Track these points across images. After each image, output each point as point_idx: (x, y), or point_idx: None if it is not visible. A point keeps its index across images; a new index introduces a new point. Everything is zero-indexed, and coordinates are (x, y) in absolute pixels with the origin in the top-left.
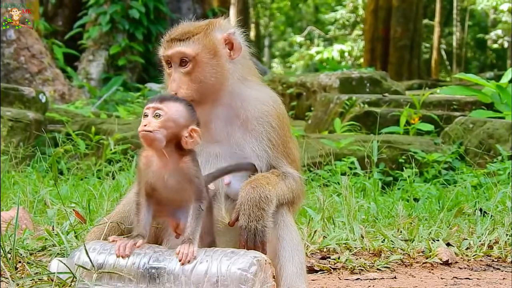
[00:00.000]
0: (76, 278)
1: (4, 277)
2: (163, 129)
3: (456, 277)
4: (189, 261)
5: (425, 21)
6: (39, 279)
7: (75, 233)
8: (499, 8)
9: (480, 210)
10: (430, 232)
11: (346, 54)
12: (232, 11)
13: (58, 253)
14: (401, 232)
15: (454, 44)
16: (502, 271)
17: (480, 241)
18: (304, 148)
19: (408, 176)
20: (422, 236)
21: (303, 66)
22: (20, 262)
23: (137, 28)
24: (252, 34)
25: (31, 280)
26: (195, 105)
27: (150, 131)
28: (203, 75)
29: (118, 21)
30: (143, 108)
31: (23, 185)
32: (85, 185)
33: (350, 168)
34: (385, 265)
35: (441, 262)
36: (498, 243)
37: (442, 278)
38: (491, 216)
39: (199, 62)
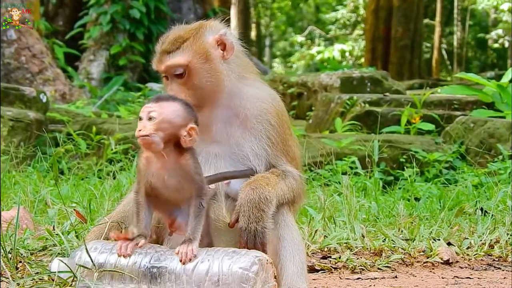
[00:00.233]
0: (77, 278)
1: (4, 277)
2: (159, 131)
3: (457, 277)
4: (190, 260)
5: (426, 20)
6: (40, 279)
7: (76, 233)
8: (499, 8)
9: (481, 209)
10: (431, 232)
11: (347, 53)
12: (233, 11)
13: (58, 253)
14: (402, 231)
15: (455, 43)
16: (503, 270)
17: (481, 240)
18: (305, 147)
19: (409, 176)
20: (423, 236)
21: (304, 65)
22: (20, 262)
23: (138, 28)
24: (253, 34)
25: (31, 280)
26: (196, 110)
27: (147, 135)
28: (199, 81)
29: (118, 21)
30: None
31: (24, 185)
32: (86, 185)
33: (351, 168)
34: (386, 265)
35: (442, 262)
36: (499, 242)
37: (443, 278)
38: (492, 215)
39: (192, 69)
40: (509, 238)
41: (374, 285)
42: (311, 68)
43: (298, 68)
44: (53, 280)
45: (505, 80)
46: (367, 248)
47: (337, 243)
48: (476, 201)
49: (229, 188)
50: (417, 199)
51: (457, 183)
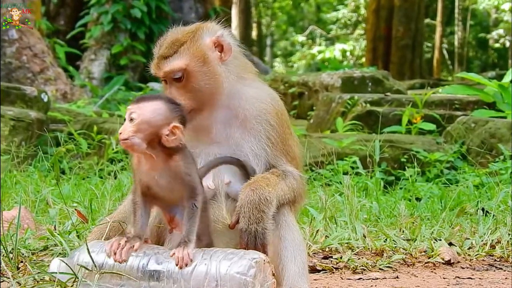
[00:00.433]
0: (78, 278)
1: (5, 277)
2: (139, 133)
3: (458, 277)
4: (186, 265)
5: (427, 20)
6: (41, 279)
7: (77, 232)
8: (500, 8)
9: (482, 209)
10: (432, 232)
11: (348, 53)
12: (234, 10)
13: (60, 253)
14: (403, 231)
15: (456, 43)
16: (504, 270)
17: (482, 240)
18: (306, 147)
19: (410, 176)
20: (424, 236)
21: (305, 65)
22: (22, 261)
23: (139, 28)
24: (254, 33)
25: (32, 280)
26: (196, 112)
27: (126, 139)
28: (197, 84)
29: (120, 21)
30: None
31: (25, 184)
32: (87, 185)
33: (352, 168)
34: (387, 265)
35: (443, 262)
36: (500, 242)
37: (444, 278)
38: (493, 215)
39: (191, 73)
40: (510, 239)
41: (376, 285)
42: (312, 68)
43: (299, 67)
44: (54, 281)
45: (506, 80)
46: (369, 248)
47: (338, 243)
48: (478, 201)
49: (229, 188)
50: (418, 199)
51: (458, 183)
